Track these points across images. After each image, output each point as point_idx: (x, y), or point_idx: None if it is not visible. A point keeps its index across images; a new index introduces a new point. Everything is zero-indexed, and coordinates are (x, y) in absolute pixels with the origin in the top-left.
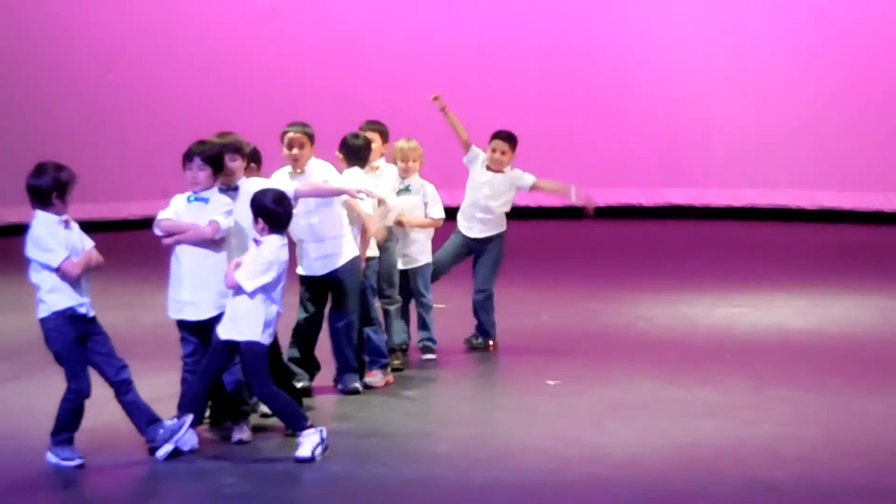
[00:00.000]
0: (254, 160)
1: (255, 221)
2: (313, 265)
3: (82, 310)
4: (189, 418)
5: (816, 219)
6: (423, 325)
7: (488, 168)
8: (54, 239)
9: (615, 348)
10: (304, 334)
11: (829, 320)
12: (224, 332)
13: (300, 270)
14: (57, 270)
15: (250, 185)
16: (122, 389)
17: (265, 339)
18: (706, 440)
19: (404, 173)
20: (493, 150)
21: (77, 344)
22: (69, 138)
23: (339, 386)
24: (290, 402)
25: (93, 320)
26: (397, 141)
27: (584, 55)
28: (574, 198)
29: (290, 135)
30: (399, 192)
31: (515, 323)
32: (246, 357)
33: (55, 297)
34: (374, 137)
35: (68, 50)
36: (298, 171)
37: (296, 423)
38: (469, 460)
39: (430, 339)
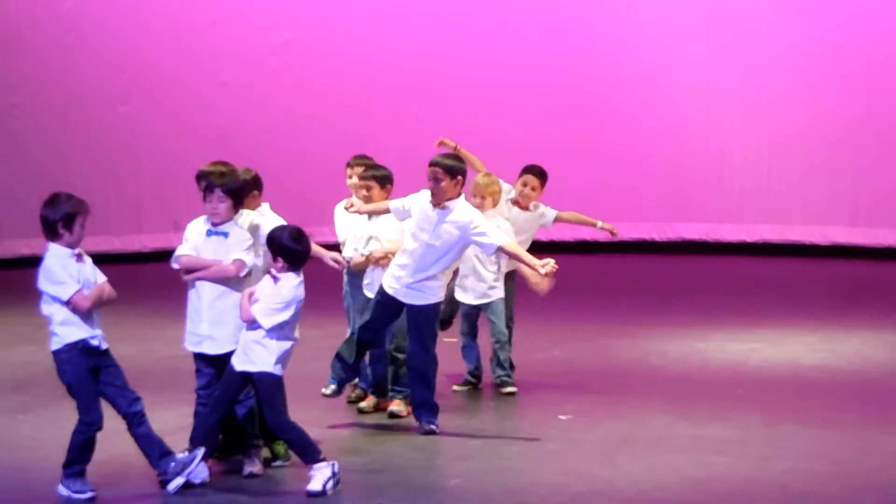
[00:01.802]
0: (256, 187)
1: (275, 260)
2: (399, 290)
3: (95, 342)
4: (201, 451)
5: (829, 254)
6: (498, 361)
7: (514, 203)
8: (66, 272)
9: (627, 383)
10: (363, 342)
11: (840, 356)
12: (238, 363)
13: (386, 281)
14: (67, 303)
15: (252, 217)
16: (135, 422)
17: (278, 371)
18: (718, 476)
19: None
20: (525, 185)
21: (89, 376)
22: (82, 171)
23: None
24: (303, 434)
25: (105, 352)
26: (477, 175)
27: (596, 90)
28: (599, 227)
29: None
30: None
31: (527, 358)
32: (259, 387)
33: (67, 329)
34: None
35: (82, 82)
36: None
37: (308, 456)
38: (480, 495)
39: (507, 375)
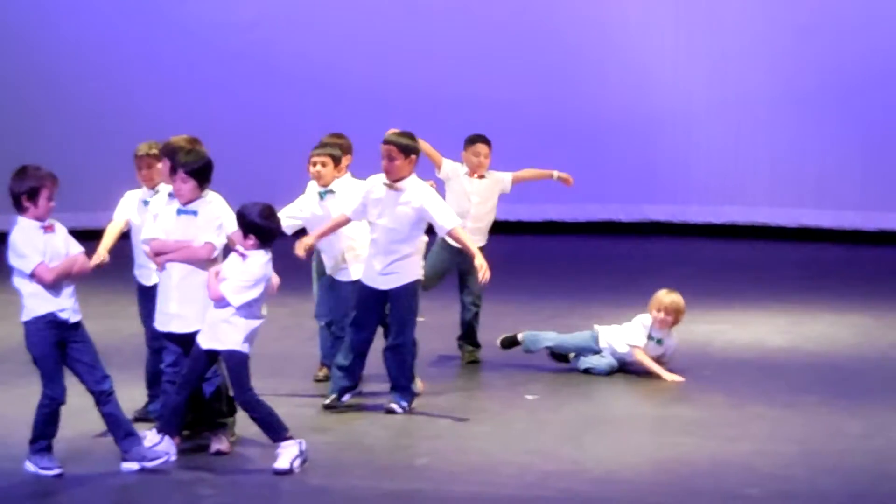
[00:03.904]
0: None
1: (245, 237)
2: (376, 279)
3: (64, 315)
4: (164, 458)
5: (796, 237)
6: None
7: (470, 176)
8: (29, 245)
9: None
10: (357, 343)
11: (807, 338)
12: (205, 341)
13: (363, 276)
14: (31, 276)
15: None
16: (101, 400)
17: (246, 349)
18: (683, 456)
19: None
20: (476, 155)
21: (55, 350)
22: (50, 147)
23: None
24: (271, 412)
25: (75, 326)
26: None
27: (565, 71)
28: (556, 177)
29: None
30: None
31: (495, 338)
32: (228, 365)
33: (35, 302)
34: (339, 153)
35: (52, 58)
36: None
37: (275, 434)
38: (447, 474)
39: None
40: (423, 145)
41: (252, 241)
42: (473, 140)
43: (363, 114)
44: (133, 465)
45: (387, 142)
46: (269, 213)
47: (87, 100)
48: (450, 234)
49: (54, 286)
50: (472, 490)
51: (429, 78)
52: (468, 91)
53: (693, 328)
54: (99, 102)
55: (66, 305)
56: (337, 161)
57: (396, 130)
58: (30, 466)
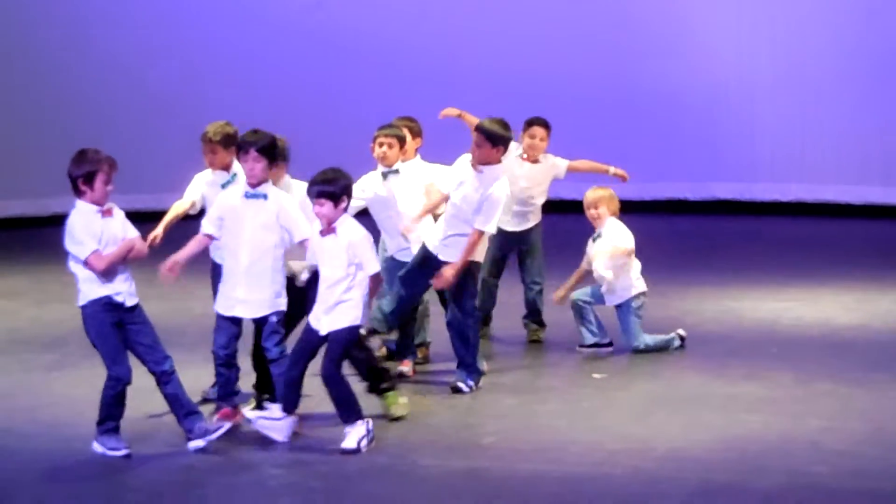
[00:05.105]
0: (282, 158)
1: (338, 203)
2: (437, 246)
3: (119, 298)
4: (227, 425)
5: (863, 214)
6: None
7: (524, 158)
8: (86, 231)
9: None
10: (404, 306)
11: (875, 316)
12: (324, 327)
13: (428, 237)
14: (85, 263)
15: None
16: (163, 380)
17: (359, 321)
18: (751, 434)
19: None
20: (532, 137)
21: (113, 330)
22: (112, 130)
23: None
24: (350, 393)
25: (132, 309)
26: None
27: (630, 49)
28: (612, 173)
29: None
30: None
31: (561, 316)
32: (338, 338)
33: (90, 286)
34: (404, 134)
35: (110, 44)
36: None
37: (349, 415)
38: (514, 452)
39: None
40: (471, 119)
41: (345, 202)
42: (531, 122)
43: (428, 93)
44: (200, 443)
45: (476, 128)
46: (338, 170)
47: (151, 81)
48: (475, 232)
49: (107, 273)
50: (540, 468)
51: (491, 56)
52: (532, 68)
53: (761, 306)
54: (163, 84)
55: (121, 289)
56: (402, 142)
57: (492, 118)
58: (97, 447)
